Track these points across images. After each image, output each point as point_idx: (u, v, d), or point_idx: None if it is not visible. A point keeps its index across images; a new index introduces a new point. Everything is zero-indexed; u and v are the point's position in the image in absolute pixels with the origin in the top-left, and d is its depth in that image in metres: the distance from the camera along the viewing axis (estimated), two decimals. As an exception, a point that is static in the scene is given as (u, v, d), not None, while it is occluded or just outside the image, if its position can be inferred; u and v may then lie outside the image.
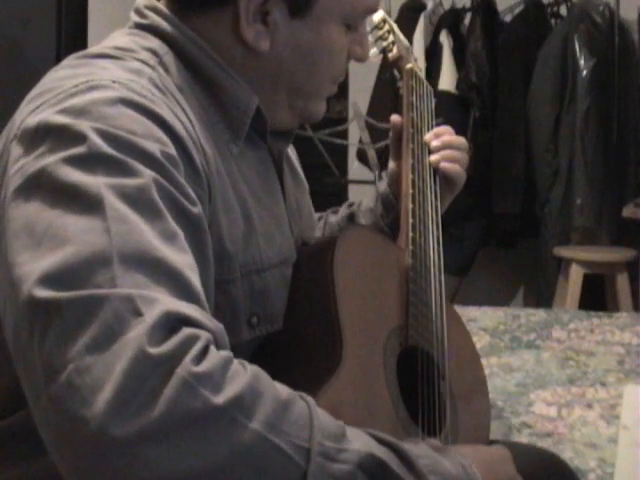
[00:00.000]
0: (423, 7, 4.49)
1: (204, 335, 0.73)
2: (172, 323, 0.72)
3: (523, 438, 2.43)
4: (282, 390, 0.76)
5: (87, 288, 0.73)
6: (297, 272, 1.02)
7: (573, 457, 2.28)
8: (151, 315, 0.72)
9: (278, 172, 1.09)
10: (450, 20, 4.43)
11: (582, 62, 4.13)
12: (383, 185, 1.32)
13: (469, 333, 1.24)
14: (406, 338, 1.03)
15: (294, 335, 0.99)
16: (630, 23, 4.28)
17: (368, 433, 0.80)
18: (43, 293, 0.73)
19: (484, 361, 2.85)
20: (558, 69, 4.17)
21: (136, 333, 0.71)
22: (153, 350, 0.70)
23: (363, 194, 4.42)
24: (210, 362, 0.72)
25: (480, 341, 3.30)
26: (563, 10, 4.44)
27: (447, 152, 1.25)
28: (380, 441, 0.79)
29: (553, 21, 4.48)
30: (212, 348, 0.74)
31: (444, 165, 1.23)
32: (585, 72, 4.12)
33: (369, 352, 0.98)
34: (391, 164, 1.29)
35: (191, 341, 0.72)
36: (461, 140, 1.28)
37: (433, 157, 1.24)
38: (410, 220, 1.14)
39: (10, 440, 0.89)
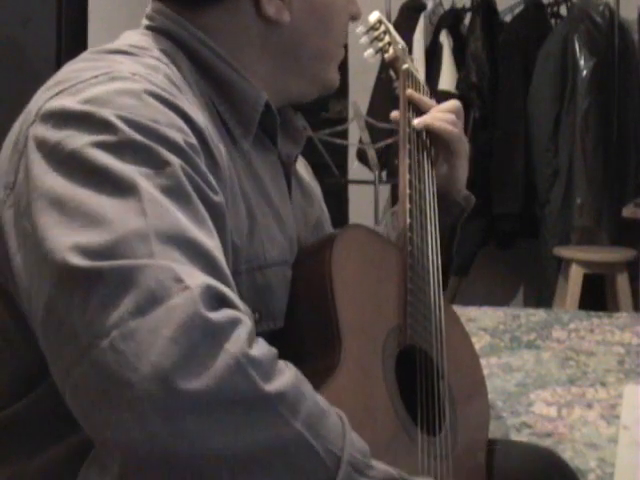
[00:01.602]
0: (423, 7, 4.49)
1: (247, 320, 0.74)
2: (215, 297, 0.73)
3: (523, 438, 2.43)
4: (320, 398, 0.77)
5: (127, 259, 0.73)
6: (296, 271, 1.02)
7: (573, 457, 2.28)
8: (195, 284, 0.72)
9: (287, 177, 1.09)
10: (450, 20, 4.43)
11: (582, 62, 4.13)
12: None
13: (468, 334, 1.24)
14: (404, 338, 1.03)
15: (292, 335, 0.99)
16: (630, 23, 4.28)
17: (387, 466, 0.80)
18: (82, 262, 0.73)
19: (484, 361, 2.85)
20: (558, 69, 4.17)
21: (184, 299, 0.71)
22: (209, 314, 0.70)
23: (363, 194, 4.42)
24: (261, 349, 0.73)
25: (480, 341, 3.29)
26: (563, 10, 4.44)
27: (435, 114, 1.25)
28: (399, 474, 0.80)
29: (553, 21, 4.48)
30: (260, 338, 0.74)
31: (433, 124, 1.24)
32: (585, 72, 4.12)
33: (367, 352, 0.98)
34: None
35: (238, 321, 0.72)
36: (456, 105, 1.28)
37: (416, 120, 1.24)
38: (408, 220, 1.14)
39: (10, 434, 0.89)
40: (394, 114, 1.30)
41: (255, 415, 0.70)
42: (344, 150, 4.53)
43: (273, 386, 0.71)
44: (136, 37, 1.00)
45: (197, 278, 0.73)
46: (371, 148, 3.98)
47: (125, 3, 1.17)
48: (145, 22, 1.04)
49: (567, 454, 2.27)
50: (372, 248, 1.08)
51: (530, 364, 3.08)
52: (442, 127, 1.24)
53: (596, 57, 4.12)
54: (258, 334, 0.97)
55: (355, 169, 4.43)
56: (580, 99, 4.12)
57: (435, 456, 0.99)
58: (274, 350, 0.75)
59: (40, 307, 0.77)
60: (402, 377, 1.00)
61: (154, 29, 1.01)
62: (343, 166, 4.56)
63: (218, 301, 0.73)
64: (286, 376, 0.74)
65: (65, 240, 0.75)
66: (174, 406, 0.68)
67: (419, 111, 1.27)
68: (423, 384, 1.04)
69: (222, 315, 0.71)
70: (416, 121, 1.25)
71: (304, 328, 1.00)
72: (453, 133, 1.25)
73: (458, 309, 1.31)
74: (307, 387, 0.76)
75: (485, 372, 1.23)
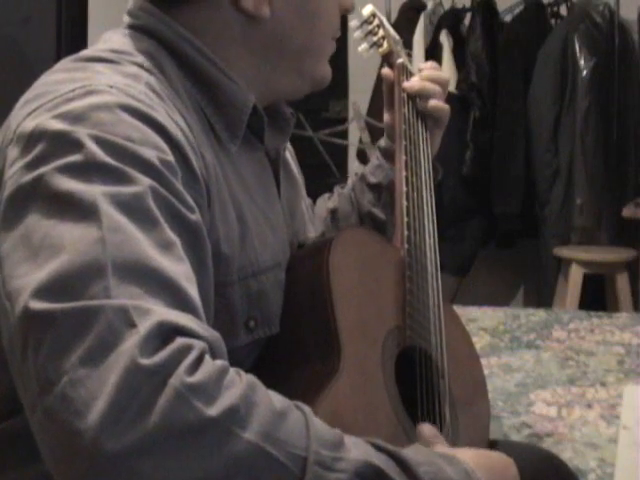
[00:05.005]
0: (423, 7, 4.49)
1: (198, 344, 0.73)
2: (165, 333, 0.71)
3: (523, 438, 2.43)
4: (277, 400, 0.75)
5: (81, 299, 0.72)
6: (293, 274, 1.01)
7: (573, 457, 2.28)
8: (144, 326, 0.71)
9: (275, 173, 1.08)
10: (450, 20, 4.43)
11: (582, 62, 4.13)
12: (383, 141, 1.32)
13: (468, 333, 1.23)
14: (404, 338, 1.03)
15: (292, 339, 0.98)
16: (630, 23, 4.29)
17: (367, 441, 0.78)
18: (37, 305, 0.72)
19: (484, 361, 2.86)
20: (558, 69, 4.17)
21: (129, 345, 0.70)
22: (145, 361, 0.69)
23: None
24: (204, 372, 0.71)
25: (480, 341, 3.30)
26: (563, 10, 4.44)
27: (423, 85, 1.26)
28: (379, 449, 0.78)
29: (553, 21, 4.48)
30: (207, 357, 0.73)
31: (424, 105, 1.25)
32: (585, 72, 4.12)
33: (367, 354, 0.97)
34: (386, 116, 1.29)
35: (185, 351, 0.71)
36: (442, 77, 1.29)
37: (406, 84, 1.26)
38: (405, 218, 1.13)
39: (7, 444, 0.89)
40: (385, 71, 1.29)
41: (205, 441, 0.69)
42: (344, 150, 4.53)
43: (219, 407, 0.70)
44: (118, 39, 0.97)
45: (150, 317, 0.72)
46: (371, 148, 3.98)
47: (125, 3, 1.16)
48: (127, 20, 1.00)
49: (567, 454, 2.28)
50: (370, 249, 1.07)
51: (530, 364, 3.08)
52: (434, 105, 1.25)
53: (596, 57, 4.12)
54: (254, 341, 0.96)
55: (355, 169, 4.43)
56: (580, 99, 4.12)
57: (436, 457, 0.98)
58: (220, 364, 0.73)
59: (6, 342, 0.77)
60: (402, 378, 1.00)
61: (137, 28, 0.99)
62: (343, 166, 4.56)
63: (170, 334, 0.72)
64: (234, 390, 0.72)
65: (28, 280, 0.74)
66: (125, 451, 0.67)
67: (414, 106, 1.26)
68: (423, 384, 1.03)
69: (165, 352, 0.70)
70: (407, 84, 1.25)
71: (302, 332, 0.99)
72: (439, 106, 1.26)
73: (458, 309, 1.30)
74: (259, 393, 0.74)
75: (485, 372, 1.23)
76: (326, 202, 1.35)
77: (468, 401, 1.13)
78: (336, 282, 0.97)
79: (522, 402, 2.72)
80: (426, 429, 0.93)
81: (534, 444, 2.00)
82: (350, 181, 1.36)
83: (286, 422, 0.73)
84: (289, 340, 0.98)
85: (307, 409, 0.76)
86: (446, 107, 1.27)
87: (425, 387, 1.03)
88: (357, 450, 0.76)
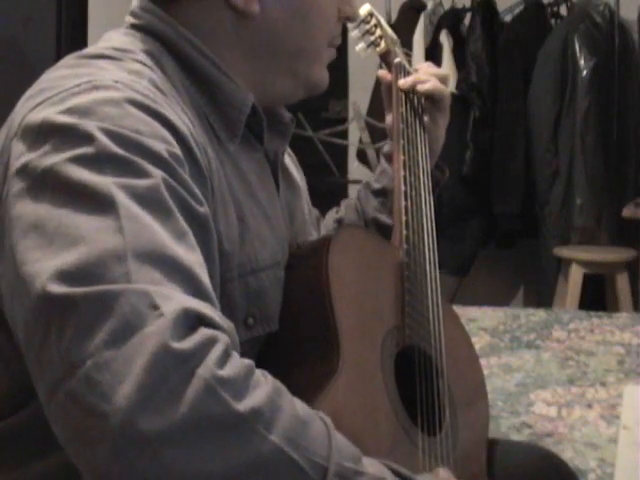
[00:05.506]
0: (423, 7, 4.49)
1: (223, 337, 0.73)
2: (191, 320, 0.72)
3: (523, 438, 2.43)
4: (301, 407, 0.76)
5: (102, 284, 0.72)
6: (292, 274, 1.01)
7: (573, 457, 2.28)
8: (170, 310, 0.71)
9: (274, 174, 1.08)
10: (450, 20, 4.43)
11: (582, 62, 4.13)
12: (387, 146, 1.32)
13: (467, 333, 1.23)
14: (403, 338, 1.03)
15: (291, 338, 0.98)
16: (630, 23, 4.29)
17: (382, 463, 0.79)
18: (58, 289, 0.72)
19: (484, 361, 2.86)
20: (558, 69, 4.17)
21: (157, 327, 0.70)
22: (176, 345, 0.69)
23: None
24: (233, 368, 0.71)
25: (480, 341, 3.30)
26: (563, 10, 4.44)
27: (418, 75, 1.26)
28: (394, 472, 0.79)
29: (553, 21, 4.48)
30: (234, 353, 0.73)
31: (420, 87, 1.25)
32: (585, 72, 4.12)
33: (366, 354, 0.97)
34: (388, 118, 1.29)
35: (211, 342, 0.71)
36: (439, 71, 1.29)
37: (401, 82, 1.26)
38: (403, 218, 1.13)
39: (9, 442, 0.89)
40: (381, 72, 1.30)
41: (230, 436, 0.69)
42: (344, 150, 4.53)
43: (246, 404, 0.70)
44: (119, 38, 0.98)
45: (174, 302, 0.72)
46: (371, 148, 3.98)
47: (125, 3, 1.17)
48: (130, 20, 1.01)
49: (567, 454, 2.28)
50: (368, 248, 1.07)
51: (530, 364, 3.08)
52: (432, 86, 1.25)
53: (596, 57, 4.12)
54: (253, 339, 0.96)
55: (355, 169, 4.44)
56: (580, 99, 4.12)
57: (436, 457, 0.98)
58: (248, 363, 0.74)
59: (20, 328, 0.76)
60: (402, 377, 1.00)
61: (139, 28, 0.99)
62: (343, 166, 4.56)
63: (195, 322, 0.72)
64: (261, 390, 0.72)
65: (42, 266, 0.74)
66: (150, 437, 0.67)
67: (412, 105, 1.26)
68: (423, 384, 1.03)
69: (194, 340, 0.70)
70: (401, 81, 1.26)
71: (301, 331, 0.99)
72: (438, 87, 1.26)
73: (458, 309, 1.30)
74: (285, 398, 0.74)
75: (485, 372, 1.23)
76: (333, 215, 1.36)
77: (467, 401, 1.13)
78: (335, 281, 0.97)
79: (522, 402, 2.72)
80: (441, 472, 0.93)
81: (534, 443, 2.00)
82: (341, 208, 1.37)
83: (309, 430, 0.74)
84: (288, 339, 0.98)
85: (329, 421, 0.77)
86: (443, 87, 1.26)
87: (424, 387, 1.03)
88: (374, 468, 0.77)
